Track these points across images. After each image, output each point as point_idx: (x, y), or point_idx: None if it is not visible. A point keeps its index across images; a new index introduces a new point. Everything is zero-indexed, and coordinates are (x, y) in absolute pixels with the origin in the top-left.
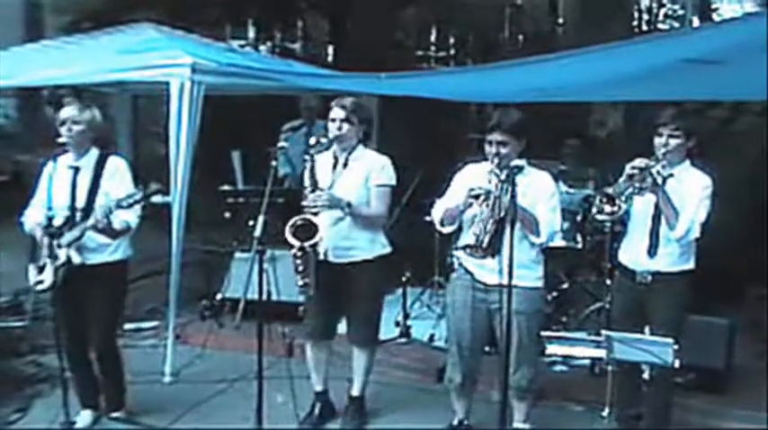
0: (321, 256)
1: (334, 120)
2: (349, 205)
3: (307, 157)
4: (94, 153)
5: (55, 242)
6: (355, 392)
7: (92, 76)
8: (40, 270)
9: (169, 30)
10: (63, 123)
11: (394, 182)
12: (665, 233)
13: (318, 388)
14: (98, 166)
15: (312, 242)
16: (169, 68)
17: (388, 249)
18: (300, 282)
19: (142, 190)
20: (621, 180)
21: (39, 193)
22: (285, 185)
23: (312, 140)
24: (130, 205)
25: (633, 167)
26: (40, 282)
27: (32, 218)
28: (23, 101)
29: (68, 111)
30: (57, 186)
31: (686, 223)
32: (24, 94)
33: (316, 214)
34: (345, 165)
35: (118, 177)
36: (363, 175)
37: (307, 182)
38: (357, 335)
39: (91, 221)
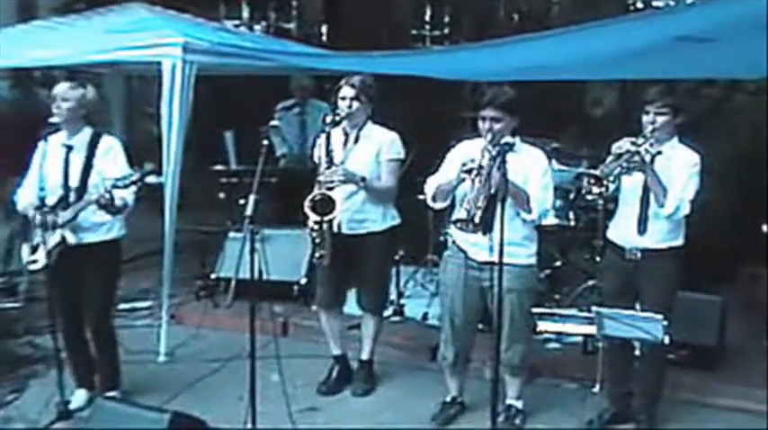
0: (335, 229)
1: (344, 99)
2: (363, 179)
3: (322, 134)
4: (87, 131)
5: (49, 222)
6: (365, 356)
7: (83, 57)
8: (34, 250)
9: (161, 9)
10: (53, 100)
11: (403, 156)
12: (654, 210)
13: (336, 352)
14: (91, 145)
15: (330, 217)
16: (161, 48)
17: (397, 220)
18: (317, 254)
19: (138, 170)
20: (609, 160)
21: (31, 172)
22: (281, 165)
23: (328, 119)
24: (126, 186)
25: (620, 147)
26: (34, 261)
27: (25, 197)
28: (16, 82)
29: (59, 88)
30: (49, 165)
31: (675, 200)
32: (17, 75)
33: (331, 189)
34: (356, 141)
35: (111, 156)
36: (374, 151)
37: (323, 158)
38: (368, 302)
39: (94, 197)
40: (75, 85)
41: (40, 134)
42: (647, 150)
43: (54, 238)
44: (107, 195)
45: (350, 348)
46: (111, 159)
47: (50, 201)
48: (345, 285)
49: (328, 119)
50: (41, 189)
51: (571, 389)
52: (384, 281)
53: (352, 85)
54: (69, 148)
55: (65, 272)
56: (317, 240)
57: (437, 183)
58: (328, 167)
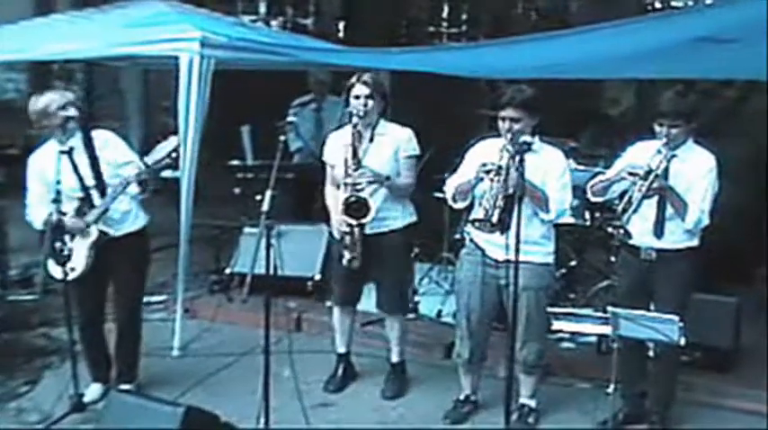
0: None
1: (358, 98)
2: (388, 178)
3: (332, 134)
4: (78, 131)
5: (78, 225)
6: (395, 358)
7: (101, 51)
8: (64, 261)
9: (179, 4)
10: (37, 121)
11: (419, 152)
12: (671, 213)
13: (342, 350)
14: (87, 142)
15: (366, 220)
16: (178, 43)
17: (415, 217)
18: (348, 256)
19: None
20: (621, 180)
21: (32, 189)
22: (295, 160)
23: (354, 120)
24: (162, 159)
25: (633, 174)
26: (72, 269)
27: (40, 213)
28: (34, 75)
29: (35, 108)
30: (54, 176)
31: (696, 214)
32: (35, 68)
33: (360, 190)
34: (371, 139)
35: (111, 146)
36: (392, 148)
37: (349, 159)
38: (390, 303)
39: (132, 173)
40: (49, 98)
41: None
42: (665, 170)
43: (92, 236)
44: (144, 175)
45: (366, 345)
46: (113, 148)
47: (69, 208)
48: (362, 283)
49: (354, 120)
50: (55, 201)
51: (585, 388)
52: (405, 279)
53: (366, 83)
54: (70, 152)
55: (93, 266)
56: (348, 243)
57: (457, 182)
58: (356, 169)
